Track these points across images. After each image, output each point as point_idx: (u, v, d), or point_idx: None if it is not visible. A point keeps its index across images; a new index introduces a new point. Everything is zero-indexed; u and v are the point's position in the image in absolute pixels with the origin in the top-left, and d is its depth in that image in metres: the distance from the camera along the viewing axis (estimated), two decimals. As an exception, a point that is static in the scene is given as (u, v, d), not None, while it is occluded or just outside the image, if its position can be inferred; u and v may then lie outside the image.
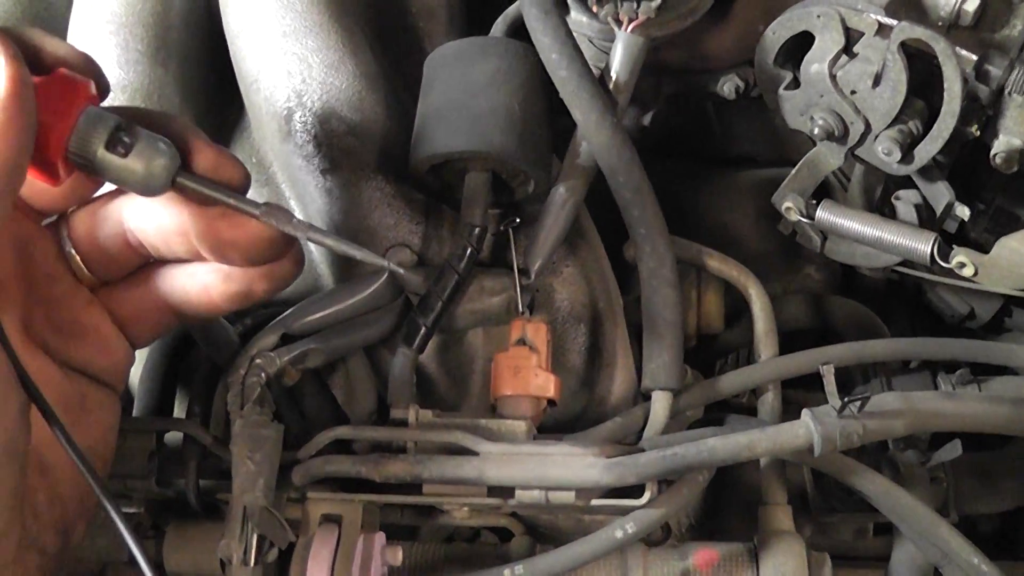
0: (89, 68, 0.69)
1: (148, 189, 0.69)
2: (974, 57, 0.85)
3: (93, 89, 0.68)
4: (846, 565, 0.96)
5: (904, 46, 0.84)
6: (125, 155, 0.68)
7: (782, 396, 0.92)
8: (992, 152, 0.88)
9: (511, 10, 0.99)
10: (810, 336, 1.06)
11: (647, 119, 1.07)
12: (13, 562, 0.66)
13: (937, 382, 0.95)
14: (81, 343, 0.74)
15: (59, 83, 0.66)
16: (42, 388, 0.65)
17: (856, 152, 0.91)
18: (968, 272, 0.86)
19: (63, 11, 1.00)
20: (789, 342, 1.02)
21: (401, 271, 0.82)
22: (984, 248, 0.97)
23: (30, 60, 0.65)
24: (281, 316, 0.83)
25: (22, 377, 0.64)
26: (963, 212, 0.95)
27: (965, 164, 0.93)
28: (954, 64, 0.83)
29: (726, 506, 0.95)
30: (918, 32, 0.83)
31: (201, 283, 0.76)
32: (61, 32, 0.99)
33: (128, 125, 0.68)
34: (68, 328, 0.73)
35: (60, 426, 0.65)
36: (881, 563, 0.94)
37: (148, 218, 0.74)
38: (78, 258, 0.74)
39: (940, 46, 0.82)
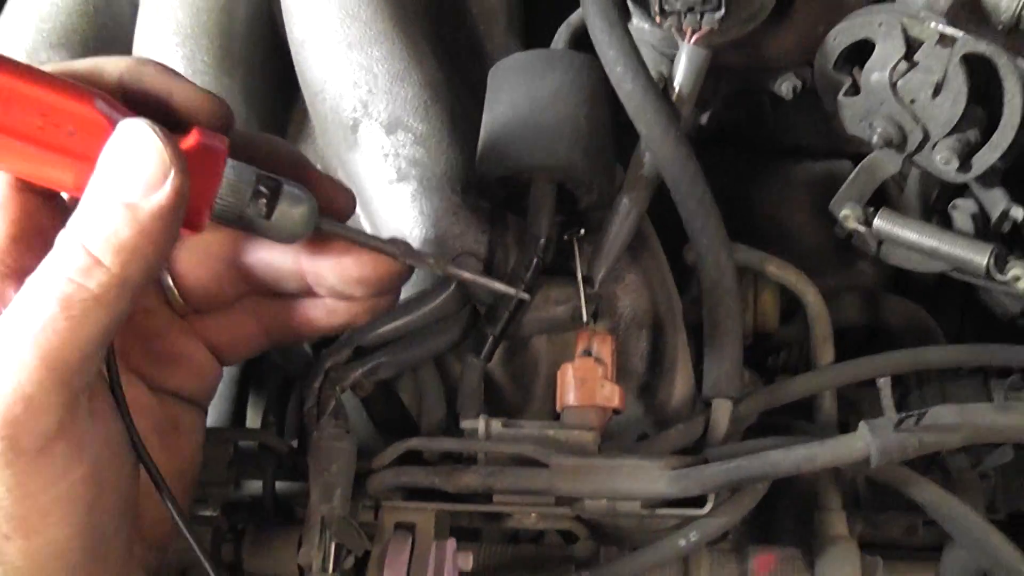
0: (224, 114, 0.69)
1: (292, 238, 0.70)
2: (1036, 71, 0.85)
3: (227, 144, 0.66)
4: (899, 559, 0.99)
5: (966, 58, 0.85)
6: (270, 210, 0.68)
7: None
8: (1052, 160, 0.89)
9: (574, 18, 1.00)
10: (863, 333, 1.08)
11: (704, 118, 1.08)
12: None
13: (990, 387, 0.96)
14: (175, 370, 0.76)
15: (201, 151, 0.64)
16: (137, 415, 0.67)
17: (914, 159, 0.92)
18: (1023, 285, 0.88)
19: (129, 21, 1.02)
20: (840, 341, 1.04)
21: (527, 297, 0.84)
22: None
23: (168, 116, 0.65)
24: (353, 330, 0.86)
25: (132, 438, 0.67)
26: (1017, 213, 0.96)
27: (1021, 165, 0.94)
28: (1016, 78, 0.83)
29: (779, 506, 0.97)
30: (981, 47, 0.83)
31: (304, 316, 0.78)
32: (127, 42, 1.00)
33: (265, 177, 0.68)
34: (164, 357, 0.75)
35: (163, 483, 0.68)
36: (930, 554, 0.97)
37: (263, 257, 0.75)
38: (176, 291, 0.75)
39: (1002, 60, 0.83)
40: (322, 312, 0.78)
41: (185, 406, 0.77)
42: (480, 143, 0.88)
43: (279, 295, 0.78)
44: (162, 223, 0.60)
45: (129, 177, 0.60)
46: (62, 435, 0.60)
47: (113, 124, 0.61)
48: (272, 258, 0.75)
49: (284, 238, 0.70)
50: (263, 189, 0.67)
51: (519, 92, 0.88)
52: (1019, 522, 1.04)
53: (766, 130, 1.17)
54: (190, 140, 0.64)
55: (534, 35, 1.07)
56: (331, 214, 0.72)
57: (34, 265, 0.61)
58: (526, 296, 0.84)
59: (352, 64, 0.92)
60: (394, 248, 0.75)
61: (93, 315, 0.59)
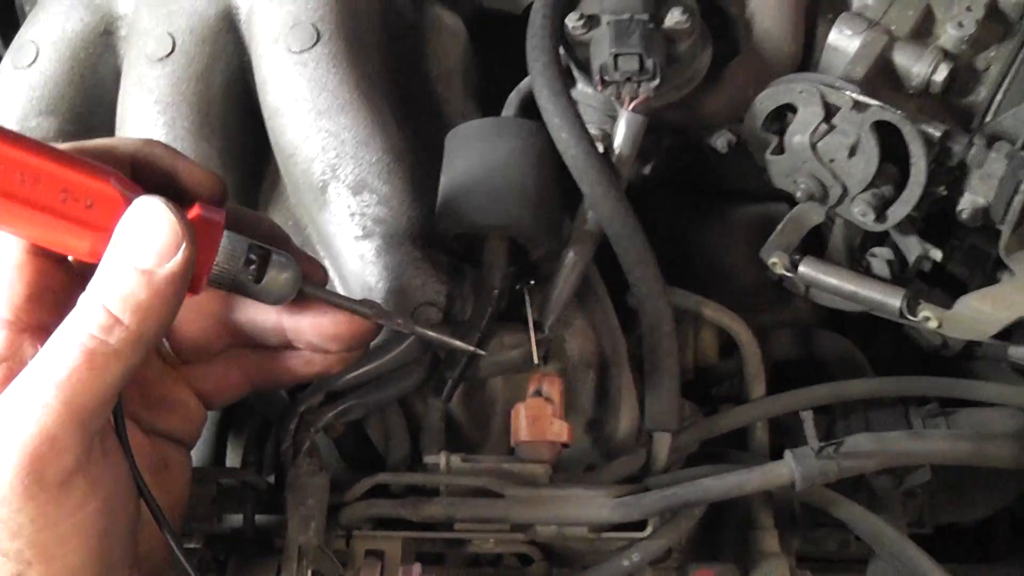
0: (221, 189, 0.78)
1: (278, 300, 0.79)
2: (938, 133, 0.94)
3: (224, 217, 0.75)
4: (831, 571, 1.08)
5: (877, 123, 0.94)
6: (260, 275, 0.76)
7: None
8: (958, 208, 0.98)
9: (523, 85, 1.08)
10: (798, 365, 1.17)
11: (647, 169, 1.17)
12: None
13: (909, 415, 1.05)
14: (167, 414, 0.84)
15: (202, 223, 0.72)
16: (135, 455, 0.75)
17: (836, 211, 1.01)
18: (933, 325, 0.97)
19: (112, 87, 1.10)
20: (779, 371, 1.13)
21: (482, 353, 0.93)
22: (960, 279, 1.07)
23: (173, 190, 0.74)
24: (324, 377, 0.94)
25: (135, 475, 0.75)
26: (935, 255, 1.05)
27: (940, 208, 1.03)
28: (919, 143, 0.92)
29: (720, 525, 1.06)
30: (887, 116, 0.93)
31: (284, 366, 0.87)
32: (111, 107, 1.09)
33: (256, 246, 0.76)
34: (157, 403, 0.83)
35: (162, 516, 0.76)
36: (862, 567, 1.05)
37: (247, 315, 0.84)
38: (168, 345, 0.84)
39: (907, 129, 0.92)
40: (300, 363, 0.87)
41: (174, 447, 0.86)
42: (438, 203, 0.96)
43: (261, 348, 0.87)
44: (173, 287, 0.69)
45: (146, 247, 0.68)
46: (79, 471, 0.68)
47: (127, 199, 0.70)
48: (256, 316, 0.84)
49: (271, 300, 0.79)
50: (253, 257, 0.76)
51: (473, 156, 0.96)
52: (944, 535, 1.13)
53: (709, 176, 1.26)
54: (193, 213, 0.73)
55: (488, 96, 1.15)
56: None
57: (47, 321, 0.71)
58: (482, 352, 0.92)
59: (321, 131, 1.00)
60: (367, 309, 0.84)
61: (112, 367, 0.68)
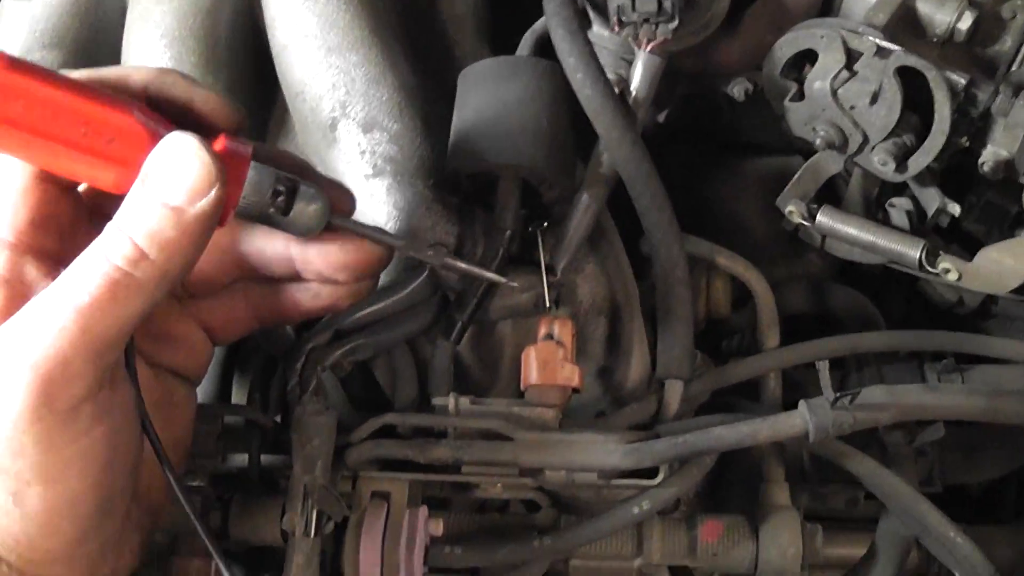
0: (240, 119, 0.77)
1: (307, 232, 0.78)
2: (963, 81, 0.93)
3: (251, 149, 0.74)
4: (839, 528, 1.06)
5: (900, 69, 0.92)
6: (288, 208, 0.75)
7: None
8: (980, 161, 0.96)
9: (538, 26, 1.06)
10: (811, 319, 1.15)
11: (662, 117, 1.15)
12: (119, 541, 0.78)
13: (924, 370, 1.04)
14: (173, 349, 0.83)
15: (229, 156, 0.71)
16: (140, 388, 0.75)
17: (855, 160, 0.99)
18: (952, 277, 0.95)
19: (117, 23, 1.08)
20: (791, 326, 1.12)
21: (514, 285, 0.92)
22: (976, 237, 1.06)
23: (190, 120, 0.73)
24: (333, 314, 0.92)
25: (141, 409, 0.74)
26: (954, 209, 1.03)
27: (959, 162, 1.01)
28: (944, 90, 0.90)
29: (730, 478, 1.04)
30: (912, 60, 0.91)
31: (291, 299, 0.86)
32: (116, 42, 1.07)
33: (284, 177, 0.75)
34: (162, 337, 0.82)
35: (163, 453, 0.76)
36: (869, 525, 1.04)
37: (255, 246, 0.82)
38: None
39: (932, 75, 0.90)
40: (307, 296, 0.86)
41: (179, 382, 0.85)
42: (450, 142, 0.95)
43: (268, 280, 0.86)
44: (202, 226, 0.69)
45: (177, 184, 0.68)
46: (89, 399, 0.68)
47: (151, 133, 0.69)
48: (264, 247, 0.83)
49: (300, 232, 0.78)
50: (281, 188, 0.75)
51: (486, 96, 0.94)
52: (954, 494, 1.12)
53: (723, 127, 1.24)
54: (218, 145, 0.72)
55: (501, 40, 1.13)
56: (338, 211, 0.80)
57: (50, 247, 0.72)
58: (514, 285, 0.91)
59: (331, 68, 0.98)
60: (397, 240, 0.83)
61: (134, 300, 0.67)
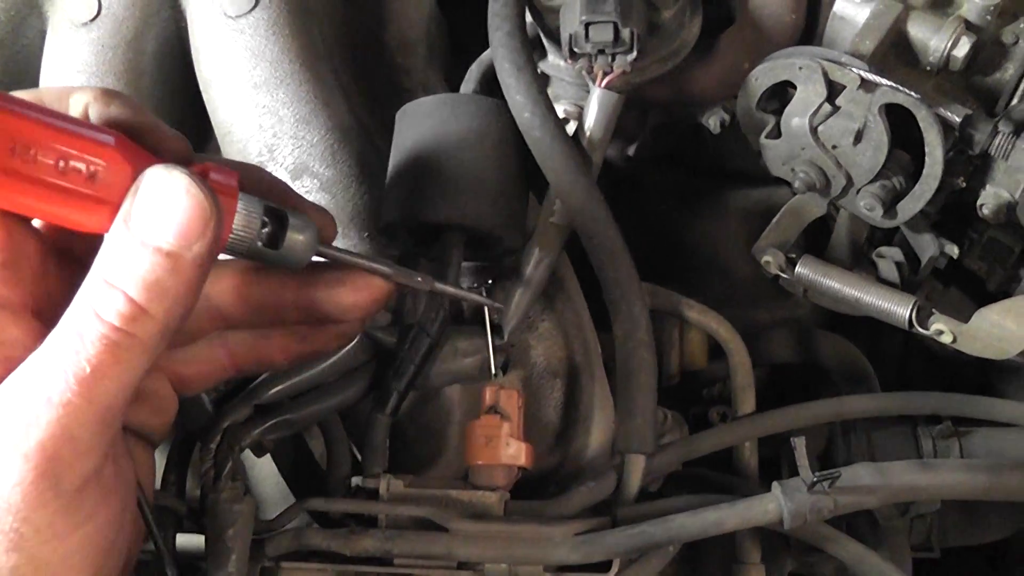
0: (187, 149, 0.69)
1: (298, 265, 0.70)
2: (957, 119, 0.82)
3: (238, 180, 0.66)
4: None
5: (887, 106, 0.82)
6: (278, 240, 0.67)
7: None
8: (979, 203, 0.87)
9: (484, 57, 0.96)
10: (797, 370, 1.06)
11: (631, 150, 1.05)
12: None
13: (918, 434, 0.94)
14: (139, 406, 0.73)
15: (217, 190, 0.62)
16: None
17: (839, 203, 0.89)
18: (947, 340, 0.85)
19: (37, 54, 0.99)
20: (776, 374, 1.02)
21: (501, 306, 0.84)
22: (978, 274, 0.96)
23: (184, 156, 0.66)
24: (252, 386, 0.83)
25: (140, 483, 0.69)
26: (952, 251, 0.94)
27: (957, 197, 0.91)
28: (936, 130, 0.81)
29: (703, 555, 0.95)
30: (900, 98, 0.81)
31: (277, 345, 0.77)
32: (35, 75, 0.98)
33: (270, 208, 0.67)
34: None
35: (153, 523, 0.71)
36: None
37: (241, 292, 0.74)
38: None
39: (922, 113, 0.80)
40: (295, 339, 0.77)
41: (140, 446, 0.75)
42: (386, 190, 0.86)
43: (250, 325, 0.77)
44: (202, 270, 0.61)
45: (170, 226, 0.60)
46: (96, 477, 0.61)
47: (133, 166, 0.60)
48: (253, 294, 0.74)
49: (290, 265, 0.70)
50: (267, 220, 0.67)
51: (426, 139, 0.85)
52: (954, 554, 1.03)
53: (704, 155, 1.14)
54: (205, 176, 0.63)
55: (459, 65, 1.04)
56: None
57: (19, 294, 0.63)
58: (499, 306, 0.84)
59: (258, 106, 0.89)
60: (386, 268, 0.74)
61: (137, 360, 0.60)
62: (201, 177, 0.61)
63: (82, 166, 0.59)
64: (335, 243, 0.85)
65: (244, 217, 0.66)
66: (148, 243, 0.59)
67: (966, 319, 0.86)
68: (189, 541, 0.84)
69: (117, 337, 0.59)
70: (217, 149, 0.98)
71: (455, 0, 1.06)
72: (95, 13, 0.96)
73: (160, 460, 0.87)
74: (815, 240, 0.98)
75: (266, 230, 0.67)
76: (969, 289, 0.97)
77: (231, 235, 0.65)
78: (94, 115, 0.65)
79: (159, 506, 0.84)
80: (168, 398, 0.76)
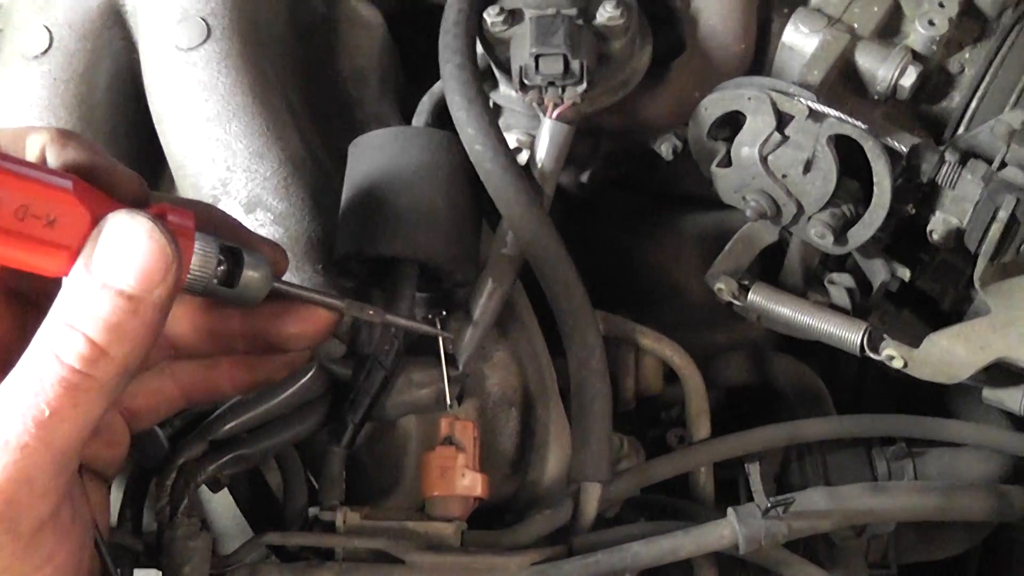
0: (142, 189, 0.68)
1: (253, 302, 0.70)
2: (904, 149, 0.83)
3: (194, 220, 0.66)
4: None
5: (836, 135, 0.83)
6: (234, 278, 0.68)
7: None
8: (928, 228, 0.88)
9: (436, 89, 0.97)
10: (753, 392, 1.06)
11: (585, 177, 1.06)
12: None
13: (872, 457, 0.95)
14: (92, 440, 0.71)
15: (175, 231, 0.63)
16: None
17: (791, 230, 0.90)
18: (898, 364, 0.86)
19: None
20: (733, 396, 1.03)
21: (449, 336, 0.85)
22: (931, 295, 0.97)
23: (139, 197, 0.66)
24: (207, 421, 0.83)
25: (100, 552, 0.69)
26: (904, 274, 0.95)
27: (908, 222, 0.92)
28: (883, 161, 0.82)
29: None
30: (847, 129, 0.82)
31: (226, 374, 0.77)
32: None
33: (226, 247, 0.68)
34: None
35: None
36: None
37: (187, 322, 0.74)
38: None
39: (868, 144, 0.82)
40: (243, 369, 0.78)
41: (94, 483, 0.75)
42: (339, 223, 0.86)
43: (198, 356, 0.77)
44: (161, 313, 0.62)
45: (132, 271, 0.60)
46: (53, 519, 0.61)
47: (91, 211, 0.61)
48: (202, 323, 0.75)
49: (246, 302, 0.70)
50: (222, 258, 0.68)
51: (376, 172, 0.85)
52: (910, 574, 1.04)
53: (659, 179, 1.14)
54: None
55: (413, 93, 1.04)
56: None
57: None
58: (449, 336, 0.84)
59: (211, 140, 0.89)
60: (339, 302, 0.75)
61: (96, 403, 0.60)
62: (162, 221, 0.61)
63: (41, 212, 0.59)
64: (288, 275, 0.87)
65: (201, 257, 0.66)
66: (110, 286, 0.60)
67: (919, 340, 0.87)
68: (145, 578, 0.85)
69: (76, 379, 0.59)
70: (172, 180, 0.98)
71: (409, 31, 1.07)
72: (46, 46, 0.95)
73: (116, 497, 0.88)
74: (769, 264, 0.99)
75: (222, 268, 0.68)
76: (923, 309, 0.98)
77: (188, 275, 0.66)
78: (51, 158, 0.65)
79: (115, 543, 0.83)
80: (120, 431, 0.76)
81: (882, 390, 1.13)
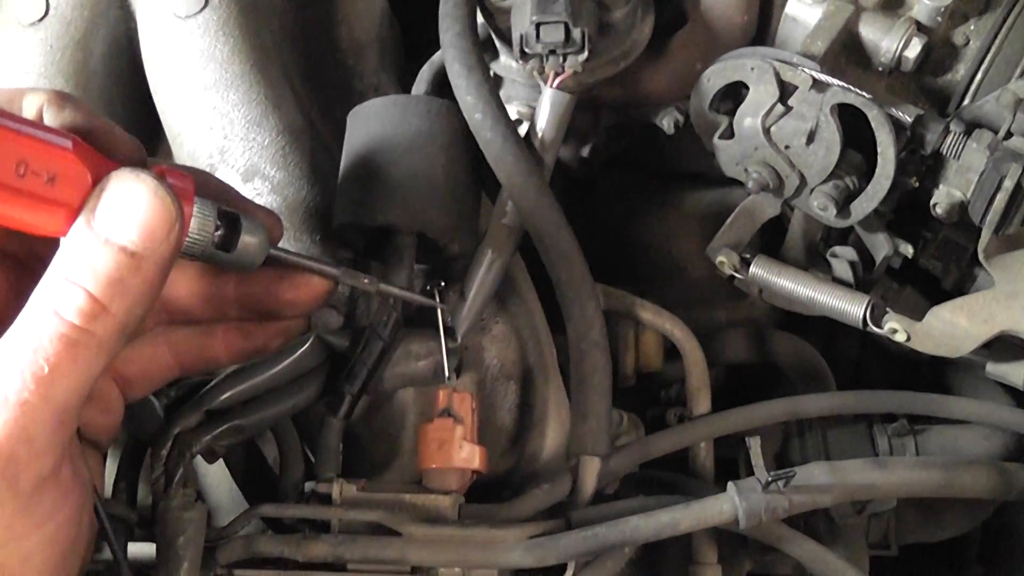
0: (140, 152, 0.69)
1: (251, 267, 0.70)
2: (909, 119, 0.83)
3: (193, 183, 0.66)
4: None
5: (839, 106, 0.82)
6: (232, 243, 0.68)
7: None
8: (932, 202, 0.87)
9: (436, 58, 0.95)
10: (754, 369, 1.06)
11: (586, 151, 1.05)
12: None
13: (874, 433, 0.94)
14: (87, 406, 0.70)
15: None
16: None
17: (792, 203, 0.89)
18: (900, 338, 0.85)
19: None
20: (734, 374, 1.02)
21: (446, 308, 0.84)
22: (933, 274, 0.96)
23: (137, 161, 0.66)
24: (203, 392, 0.82)
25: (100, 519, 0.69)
26: (906, 250, 0.94)
27: (911, 197, 0.91)
28: (887, 130, 0.81)
29: (661, 555, 0.95)
30: (851, 98, 0.81)
31: (221, 342, 0.77)
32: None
33: (224, 211, 0.68)
34: None
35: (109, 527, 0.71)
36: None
37: (182, 286, 0.74)
38: None
39: (872, 113, 0.80)
40: (239, 337, 0.77)
41: (89, 449, 0.74)
42: (337, 192, 0.85)
43: (192, 322, 0.77)
44: (163, 272, 0.62)
45: (136, 228, 0.60)
46: (53, 477, 0.61)
47: (91, 169, 0.61)
48: (196, 287, 0.75)
49: (242, 267, 0.70)
50: (220, 223, 0.68)
51: (376, 140, 0.84)
52: (912, 552, 1.03)
53: (660, 156, 1.14)
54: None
55: (413, 66, 1.03)
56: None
57: None
58: (443, 307, 0.83)
59: (208, 108, 0.88)
60: (334, 270, 0.76)
61: (95, 359, 0.60)
62: (165, 180, 0.62)
63: (41, 169, 0.59)
64: (286, 244, 0.86)
65: (199, 221, 0.66)
66: (113, 242, 0.60)
67: (921, 318, 0.86)
68: (140, 550, 0.84)
69: (76, 335, 0.59)
70: (169, 150, 0.97)
71: (409, 1, 1.06)
72: (43, 13, 0.94)
73: (111, 468, 0.87)
74: (771, 240, 0.98)
75: (219, 232, 0.68)
76: (925, 288, 0.97)
77: (187, 239, 0.66)
78: (48, 118, 0.65)
79: (109, 515, 0.83)
80: (115, 398, 0.76)
81: (883, 370, 1.12)
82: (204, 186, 0.69)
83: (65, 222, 0.60)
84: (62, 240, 0.61)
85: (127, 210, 0.60)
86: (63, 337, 0.59)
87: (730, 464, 0.99)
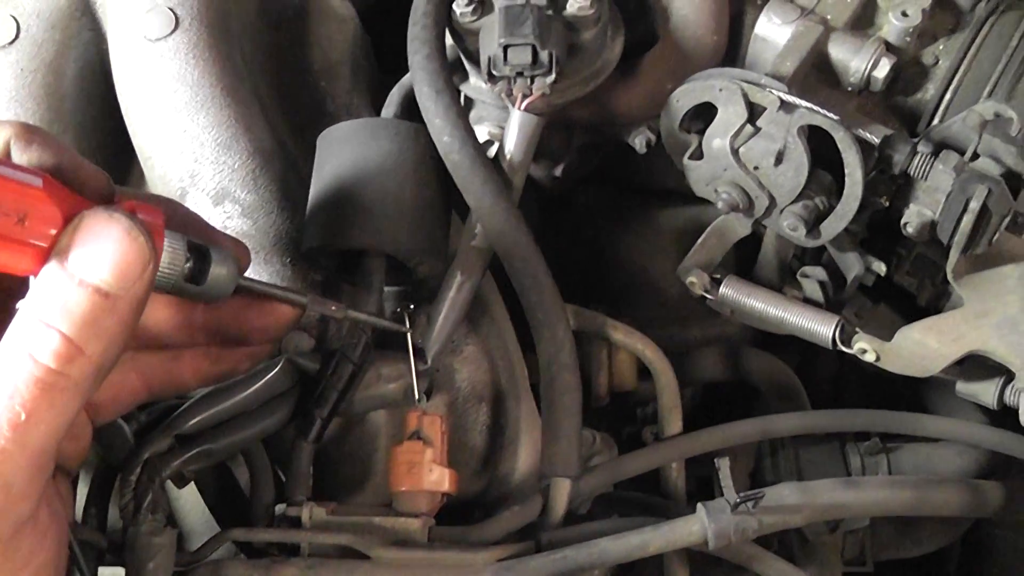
0: (107, 186, 0.68)
1: (220, 298, 0.70)
2: (876, 140, 0.83)
3: (163, 218, 0.65)
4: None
5: (808, 126, 0.82)
6: (202, 275, 0.68)
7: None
8: (903, 221, 0.87)
9: (405, 80, 0.95)
10: (728, 388, 1.06)
11: (558, 170, 1.05)
12: None
13: (846, 452, 0.94)
14: None
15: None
16: None
17: (763, 223, 0.89)
18: (870, 358, 0.85)
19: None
20: (709, 392, 1.02)
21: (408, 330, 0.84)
22: (908, 290, 0.96)
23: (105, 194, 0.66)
24: (173, 416, 0.81)
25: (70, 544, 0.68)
26: (879, 268, 0.94)
27: (884, 215, 0.91)
28: (855, 152, 0.81)
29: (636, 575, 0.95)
30: (818, 120, 0.81)
31: (189, 366, 0.77)
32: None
33: (193, 244, 0.68)
34: None
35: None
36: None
37: (151, 315, 0.74)
38: None
39: (839, 135, 0.81)
40: (207, 362, 0.78)
41: (57, 472, 0.72)
42: (307, 215, 0.85)
43: (160, 348, 0.77)
44: (137, 311, 0.61)
45: (109, 268, 0.60)
46: (32, 521, 0.61)
47: (62, 208, 0.60)
48: (165, 315, 0.75)
49: (212, 299, 0.70)
50: (191, 256, 0.68)
51: (344, 164, 0.84)
52: (886, 572, 1.03)
53: (634, 173, 1.14)
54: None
55: (387, 84, 1.03)
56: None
57: None
58: (407, 330, 0.83)
59: (179, 131, 0.88)
60: (301, 298, 0.76)
61: (71, 401, 0.60)
62: (138, 219, 0.61)
63: (11, 210, 0.59)
64: (257, 268, 0.86)
65: (170, 255, 0.66)
66: (87, 283, 0.59)
67: (894, 334, 0.86)
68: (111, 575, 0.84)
69: (52, 379, 0.58)
70: (141, 171, 0.97)
71: (381, 23, 1.06)
72: (13, 36, 0.94)
73: (81, 493, 0.87)
74: (745, 259, 0.99)
75: (189, 266, 0.68)
76: (901, 305, 0.97)
77: (159, 272, 0.65)
78: (16, 154, 0.64)
79: (79, 540, 0.83)
80: (83, 424, 0.75)
81: (861, 387, 1.12)
82: (172, 216, 0.69)
83: (36, 262, 0.60)
84: (34, 280, 0.60)
85: (100, 250, 0.60)
86: (39, 381, 0.58)
87: (706, 483, 0.99)
